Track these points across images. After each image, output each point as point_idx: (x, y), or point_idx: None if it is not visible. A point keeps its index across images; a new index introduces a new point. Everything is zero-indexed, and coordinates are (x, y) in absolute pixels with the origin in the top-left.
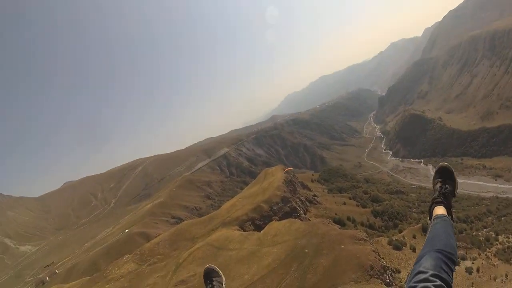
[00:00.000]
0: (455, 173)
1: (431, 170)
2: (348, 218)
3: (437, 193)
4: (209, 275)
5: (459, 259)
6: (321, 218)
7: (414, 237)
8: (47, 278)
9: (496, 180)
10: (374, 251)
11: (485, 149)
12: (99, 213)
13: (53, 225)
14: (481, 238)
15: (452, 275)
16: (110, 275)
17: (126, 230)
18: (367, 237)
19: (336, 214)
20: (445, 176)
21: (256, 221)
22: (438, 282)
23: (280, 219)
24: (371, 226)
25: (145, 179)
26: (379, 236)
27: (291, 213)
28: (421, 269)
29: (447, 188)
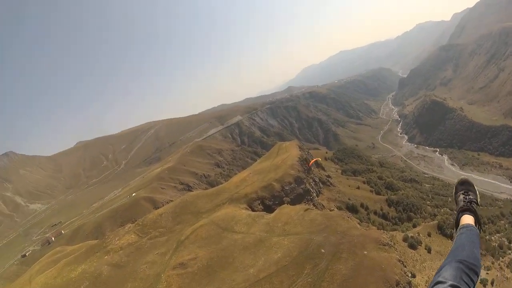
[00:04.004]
0: (475, 185)
1: (446, 161)
2: (362, 205)
3: (461, 203)
4: (465, 185)
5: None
6: (334, 202)
7: (429, 235)
8: (53, 238)
9: (511, 181)
10: (400, 260)
11: (504, 147)
12: (109, 174)
13: (63, 184)
14: (495, 244)
15: (474, 287)
16: (110, 245)
17: (133, 194)
18: (391, 242)
19: (349, 199)
20: (467, 187)
21: (266, 201)
22: None
23: (292, 201)
24: (384, 216)
25: (156, 142)
26: (393, 230)
27: (303, 195)
28: (440, 279)
29: (471, 197)
